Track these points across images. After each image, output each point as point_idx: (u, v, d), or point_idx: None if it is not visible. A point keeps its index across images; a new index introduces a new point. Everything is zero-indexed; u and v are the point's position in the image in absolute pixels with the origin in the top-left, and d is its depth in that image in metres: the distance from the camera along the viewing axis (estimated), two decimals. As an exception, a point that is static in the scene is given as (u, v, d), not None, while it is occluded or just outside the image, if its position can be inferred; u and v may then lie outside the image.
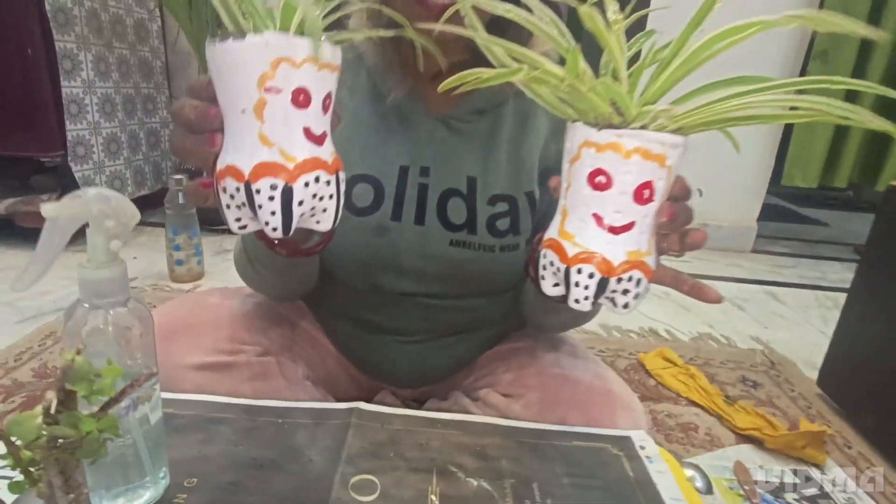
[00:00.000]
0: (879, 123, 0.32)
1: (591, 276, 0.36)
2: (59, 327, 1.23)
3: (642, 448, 0.55)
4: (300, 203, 0.34)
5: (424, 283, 0.67)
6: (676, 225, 0.40)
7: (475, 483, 0.48)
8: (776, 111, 0.35)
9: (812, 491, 0.89)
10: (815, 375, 1.19)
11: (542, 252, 0.40)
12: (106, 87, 1.78)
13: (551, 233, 0.40)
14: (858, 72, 1.94)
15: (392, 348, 0.73)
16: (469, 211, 0.64)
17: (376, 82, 0.64)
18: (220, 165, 0.35)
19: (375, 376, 0.78)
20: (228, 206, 0.35)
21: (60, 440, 0.27)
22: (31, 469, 0.31)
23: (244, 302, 0.74)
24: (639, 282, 0.37)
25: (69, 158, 1.65)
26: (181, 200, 1.47)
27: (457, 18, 0.45)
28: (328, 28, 0.36)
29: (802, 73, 2.01)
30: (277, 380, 0.69)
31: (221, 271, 1.66)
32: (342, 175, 0.38)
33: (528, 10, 0.38)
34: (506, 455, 0.51)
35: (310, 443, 0.51)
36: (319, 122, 0.35)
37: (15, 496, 0.30)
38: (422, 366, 0.75)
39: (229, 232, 1.76)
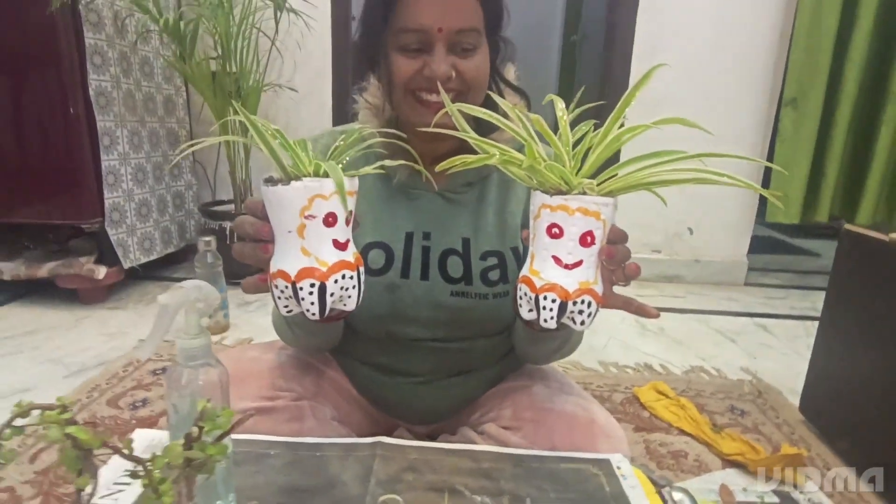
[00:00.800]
0: (741, 183, 0.49)
1: (553, 300, 0.50)
2: (103, 381, 1.35)
3: (619, 468, 0.66)
4: (331, 295, 0.49)
5: (431, 329, 0.79)
6: (617, 261, 0.54)
7: (479, 499, 0.59)
8: (673, 177, 0.51)
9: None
10: (798, 402, 1.29)
11: (518, 286, 0.54)
12: (139, 158, 1.96)
13: (524, 271, 0.54)
14: (827, 115, 2.09)
15: (405, 389, 0.86)
16: (465, 266, 0.78)
17: (383, 165, 0.79)
18: (272, 268, 0.50)
19: (393, 415, 0.90)
20: (279, 298, 0.50)
21: (192, 461, 0.39)
22: (159, 487, 0.43)
23: (279, 355, 0.87)
24: (590, 304, 0.51)
25: (106, 224, 1.81)
26: (209, 259, 1.61)
27: (448, 115, 0.61)
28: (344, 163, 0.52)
29: (776, 118, 2.17)
30: (310, 420, 0.81)
31: (244, 322, 1.79)
32: (362, 269, 0.53)
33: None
34: (504, 476, 0.63)
35: (342, 471, 0.63)
36: (343, 233, 0.50)
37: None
38: (432, 403, 0.87)
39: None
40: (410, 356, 0.82)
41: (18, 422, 0.42)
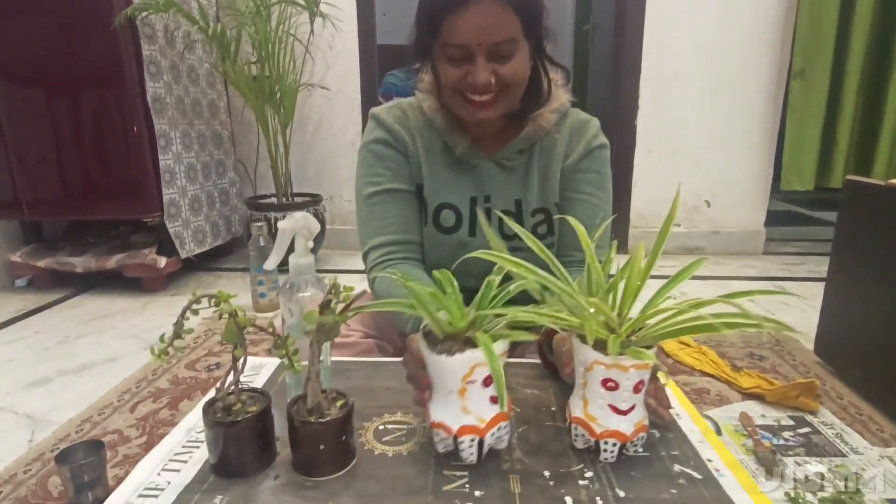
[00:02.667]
0: (771, 324, 0.51)
1: (614, 444, 0.57)
2: (178, 351, 1.51)
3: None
4: (488, 445, 0.56)
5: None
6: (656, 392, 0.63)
7: (528, 391, 0.73)
8: (710, 322, 0.51)
9: (805, 430, 1.09)
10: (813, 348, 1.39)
11: (573, 426, 0.59)
12: (189, 157, 2.14)
13: (577, 412, 0.58)
14: (835, 86, 2.17)
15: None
16: (518, 224, 0.93)
17: (445, 139, 0.93)
18: (433, 415, 0.56)
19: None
20: (438, 442, 0.57)
21: (323, 325, 0.53)
22: (293, 357, 0.57)
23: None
24: (643, 437, 0.58)
25: (165, 217, 1.99)
26: (261, 243, 1.77)
27: (494, 105, 0.76)
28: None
29: (786, 90, 2.26)
30: (376, 353, 0.95)
31: (293, 302, 1.95)
32: (512, 417, 0.61)
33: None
34: (553, 385, 0.76)
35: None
36: (493, 391, 0.55)
37: (288, 372, 0.56)
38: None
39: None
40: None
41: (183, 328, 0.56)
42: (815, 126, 2.20)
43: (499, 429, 0.56)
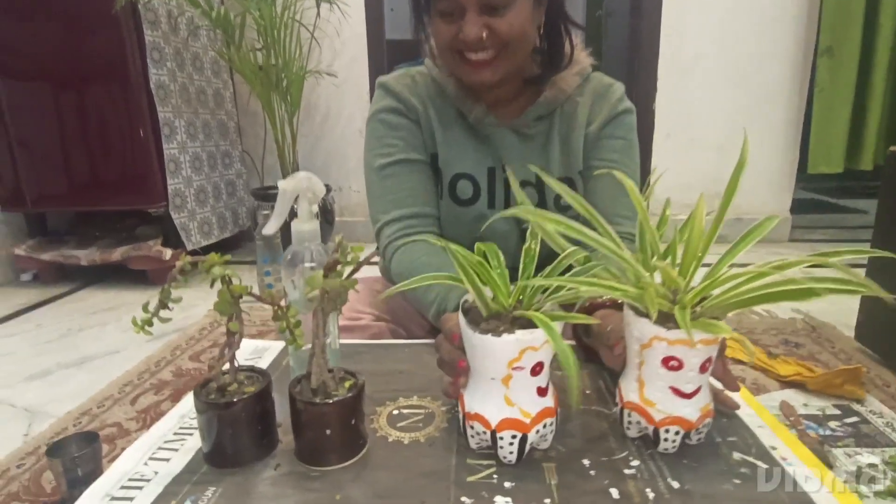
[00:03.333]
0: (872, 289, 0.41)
1: (677, 433, 0.48)
2: (182, 342, 1.46)
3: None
4: (531, 443, 0.48)
5: (513, 258, 0.86)
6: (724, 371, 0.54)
7: (557, 373, 0.65)
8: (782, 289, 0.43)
9: (853, 419, 1.00)
10: (853, 335, 1.30)
11: (627, 412, 0.51)
12: (195, 147, 2.08)
13: (631, 396, 0.51)
14: (865, 63, 2.07)
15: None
16: (539, 195, 0.87)
17: (458, 106, 0.86)
18: (468, 406, 0.49)
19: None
20: (472, 436, 0.49)
21: (328, 292, 0.46)
22: (293, 329, 0.50)
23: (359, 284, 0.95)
24: (708, 424, 0.50)
25: (170, 208, 1.94)
26: (268, 232, 1.71)
27: (493, 65, 0.70)
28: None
29: (813, 67, 2.16)
30: (388, 337, 0.88)
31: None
32: (558, 414, 0.50)
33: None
34: (586, 367, 0.68)
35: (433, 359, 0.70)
36: (545, 378, 0.48)
37: (290, 346, 0.50)
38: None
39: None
40: None
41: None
42: (844, 106, 2.10)
43: (545, 426, 0.48)
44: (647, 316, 0.47)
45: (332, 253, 0.47)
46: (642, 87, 2.33)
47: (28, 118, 1.88)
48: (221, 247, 2.36)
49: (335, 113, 2.44)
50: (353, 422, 0.49)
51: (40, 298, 1.90)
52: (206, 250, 2.21)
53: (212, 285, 0.49)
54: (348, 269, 0.47)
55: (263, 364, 0.71)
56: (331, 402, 0.47)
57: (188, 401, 0.62)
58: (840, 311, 1.53)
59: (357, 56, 2.38)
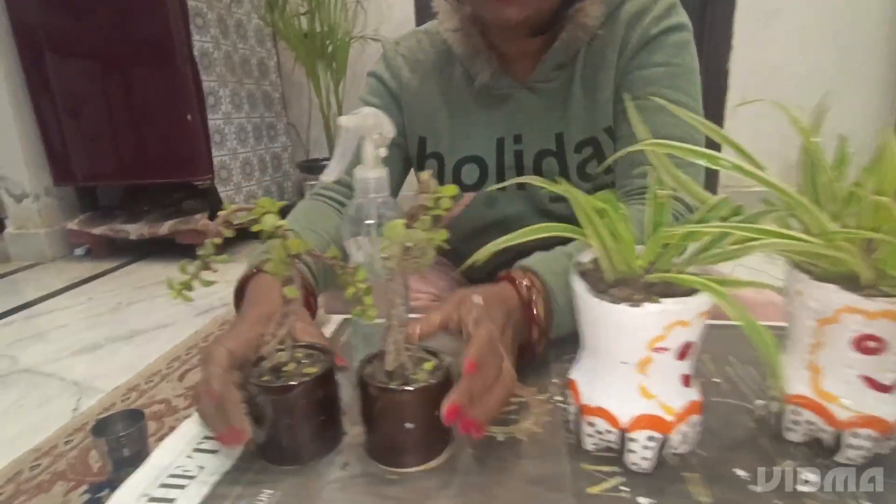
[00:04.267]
0: None
1: (868, 437, 0.37)
2: (230, 316, 1.41)
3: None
4: (672, 448, 0.37)
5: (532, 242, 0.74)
6: None
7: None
8: None
9: None
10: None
11: (792, 408, 0.39)
12: (240, 118, 2.03)
13: (800, 387, 0.38)
14: None
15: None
16: (560, 165, 0.71)
17: (466, 68, 0.73)
18: (587, 400, 0.38)
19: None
20: (590, 435, 0.39)
21: (410, 248, 0.36)
22: (364, 297, 0.41)
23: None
24: None
25: (216, 181, 1.89)
26: (316, 204, 1.64)
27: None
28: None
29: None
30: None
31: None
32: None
33: None
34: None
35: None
36: (692, 363, 0.37)
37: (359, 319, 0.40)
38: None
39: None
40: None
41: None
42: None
43: (690, 425, 0.37)
44: (831, 281, 0.35)
45: (416, 195, 0.36)
46: (715, 45, 2.12)
47: (76, 93, 1.86)
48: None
49: (381, 81, 2.33)
50: (436, 413, 0.40)
51: (92, 272, 1.90)
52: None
53: (263, 240, 0.40)
54: (435, 218, 0.37)
55: (319, 340, 0.62)
56: (411, 388, 0.37)
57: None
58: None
59: (404, 20, 2.26)
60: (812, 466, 0.38)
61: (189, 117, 1.79)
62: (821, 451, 0.39)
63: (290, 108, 2.44)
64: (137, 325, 1.41)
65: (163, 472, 0.40)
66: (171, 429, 0.44)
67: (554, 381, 0.50)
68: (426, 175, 0.36)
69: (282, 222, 0.40)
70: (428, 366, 0.40)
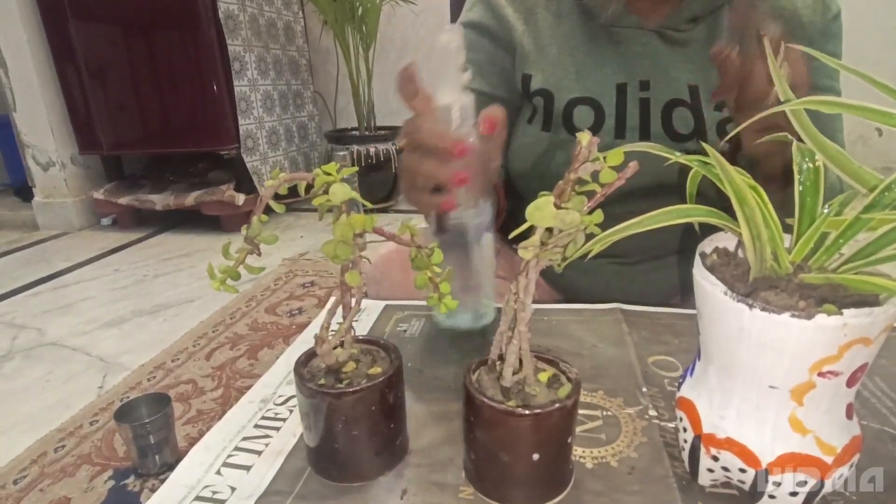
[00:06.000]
0: None
1: None
2: (258, 293, 1.36)
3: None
4: (824, 495, 0.29)
5: (652, 200, 0.65)
6: None
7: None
8: None
9: None
10: None
11: None
12: (266, 85, 1.95)
13: None
14: None
15: (607, 271, 0.72)
16: (696, 119, 0.62)
17: (585, 2, 0.63)
18: (713, 428, 0.30)
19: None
20: (710, 470, 0.32)
21: (557, 233, 0.28)
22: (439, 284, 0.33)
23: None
24: None
25: (242, 150, 1.83)
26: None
27: None
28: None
29: None
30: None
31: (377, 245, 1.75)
32: None
33: None
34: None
35: (587, 333, 0.51)
36: (855, 391, 0.29)
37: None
38: (640, 287, 0.72)
39: (384, 211, 1.83)
40: None
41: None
42: None
43: (850, 467, 0.29)
44: None
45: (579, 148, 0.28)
46: None
47: (100, 59, 1.80)
48: (294, 194, 2.25)
49: (413, 47, 2.22)
50: (570, 440, 0.32)
51: (119, 243, 1.87)
52: (278, 196, 2.11)
53: (321, 217, 0.33)
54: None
55: (365, 329, 0.55)
56: (540, 411, 0.30)
57: (272, 375, 0.47)
58: None
59: (437, -19, 2.13)
60: None
61: (215, 87, 1.71)
62: None
63: (317, 75, 2.34)
64: (163, 300, 1.37)
65: (189, 494, 0.34)
66: (199, 412, 0.38)
67: (644, 389, 0.42)
68: (586, 137, 0.28)
69: (354, 194, 0.32)
70: (543, 377, 0.33)
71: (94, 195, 2.00)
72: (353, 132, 2.14)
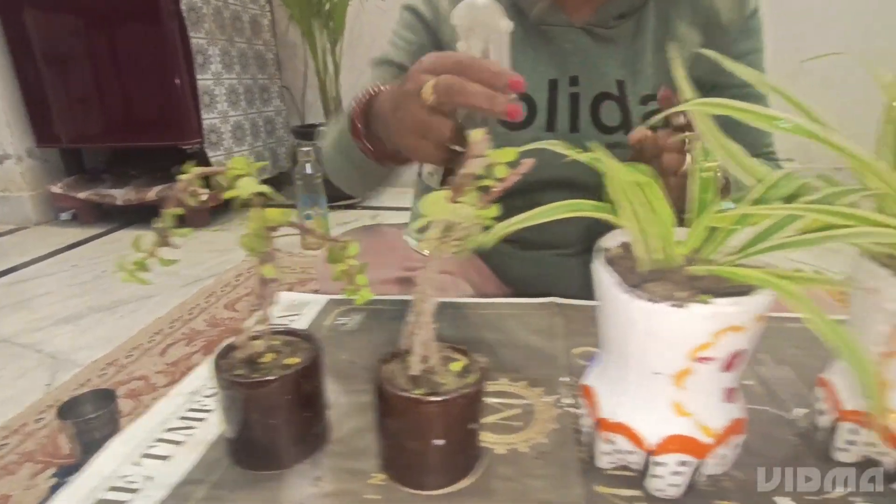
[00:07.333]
0: None
1: None
2: (217, 288, 1.35)
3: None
4: (705, 474, 0.32)
5: (582, 192, 0.67)
6: None
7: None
8: None
9: None
10: None
11: (847, 426, 0.34)
12: (230, 79, 1.92)
13: (861, 405, 0.33)
14: None
15: (549, 263, 0.74)
16: (623, 112, 0.65)
17: (516, 1, 0.65)
18: (608, 413, 0.32)
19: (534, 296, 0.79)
20: (607, 453, 0.33)
21: (451, 226, 0.29)
22: (355, 276, 0.34)
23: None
24: None
25: (205, 145, 1.80)
26: (309, 170, 1.56)
27: None
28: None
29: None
30: (452, 292, 0.71)
31: (345, 241, 1.75)
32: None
33: None
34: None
35: (519, 326, 0.53)
36: (736, 376, 0.31)
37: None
38: (583, 278, 0.75)
39: (351, 208, 1.82)
40: (555, 225, 0.71)
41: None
42: None
43: (730, 447, 0.31)
44: None
45: (464, 160, 0.29)
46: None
47: (58, 50, 1.76)
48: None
49: (381, 41, 2.21)
50: (471, 426, 0.33)
51: (77, 238, 1.83)
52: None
53: (238, 207, 0.33)
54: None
55: (302, 324, 0.55)
56: (444, 398, 0.31)
57: (204, 367, 0.47)
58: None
59: (405, -22, 2.13)
60: (871, 497, 0.32)
61: (177, 80, 1.69)
62: (877, 476, 0.33)
63: (285, 69, 2.32)
64: (121, 295, 1.35)
65: (102, 484, 0.34)
66: (148, 409, 0.39)
67: (563, 379, 0.44)
68: (478, 135, 0.29)
69: (262, 188, 0.33)
70: (455, 367, 0.34)
71: (53, 189, 1.95)
72: (321, 127, 2.13)
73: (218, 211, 1.98)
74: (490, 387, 0.43)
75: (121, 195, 1.88)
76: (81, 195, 1.91)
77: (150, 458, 0.37)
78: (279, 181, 2.34)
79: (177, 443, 0.38)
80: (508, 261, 0.77)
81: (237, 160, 0.31)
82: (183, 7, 1.67)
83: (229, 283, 1.38)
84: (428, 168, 0.59)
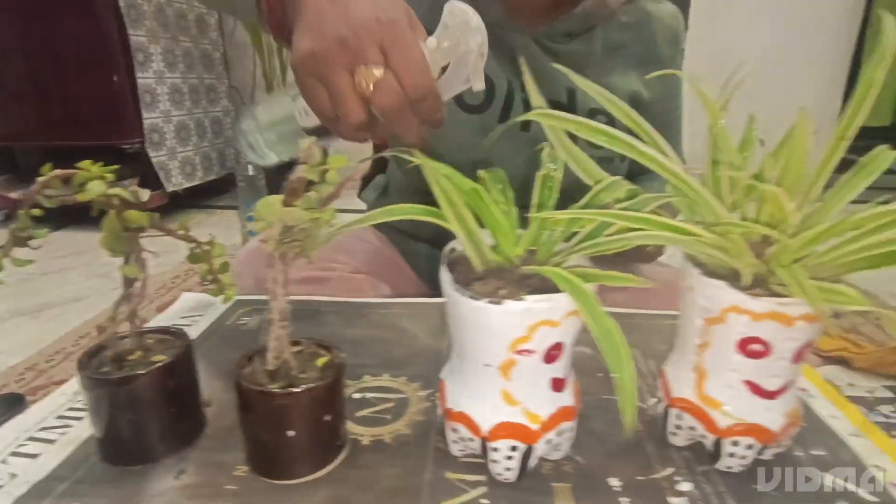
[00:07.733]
0: None
1: (749, 447, 0.34)
2: (152, 291, 1.32)
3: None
4: (538, 457, 0.34)
5: (524, 193, 0.70)
6: None
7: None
8: None
9: (909, 405, 0.86)
10: (902, 303, 1.14)
11: (674, 412, 0.37)
12: (174, 78, 1.89)
13: (683, 391, 0.36)
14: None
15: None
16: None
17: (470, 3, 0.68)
18: (451, 404, 0.35)
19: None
20: (455, 441, 0.36)
21: (291, 228, 0.30)
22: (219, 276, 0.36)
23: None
24: (790, 437, 0.36)
25: (146, 145, 1.77)
26: (251, 172, 1.55)
27: None
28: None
29: (867, 5, 1.91)
30: (369, 293, 0.73)
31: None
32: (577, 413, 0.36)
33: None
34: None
35: (413, 325, 0.55)
36: (566, 365, 0.34)
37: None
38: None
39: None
40: None
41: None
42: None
43: (559, 433, 0.34)
44: (720, 277, 0.33)
45: (296, 165, 0.31)
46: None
47: (-13, 39, 1.69)
48: (206, 190, 2.20)
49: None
50: (328, 417, 0.35)
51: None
52: (188, 194, 2.06)
53: (92, 212, 0.35)
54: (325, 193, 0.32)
55: (203, 324, 0.56)
56: (297, 390, 0.33)
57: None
58: (883, 281, 1.37)
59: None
60: (691, 475, 0.35)
61: (115, 78, 1.65)
62: (704, 458, 0.37)
63: (233, 69, 2.30)
64: (48, 298, 1.31)
65: (-37, 483, 0.35)
66: None
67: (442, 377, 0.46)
68: (307, 143, 0.31)
69: (115, 191, 0.34)
70: (320, 361, 0.36)
71: (-18, 188, 1.87)
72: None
73: (160, 212, 1.94)
74: (371, 382, 0.45)
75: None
76: (15, 195, 1.84)
77: (17, 456, 0.37)
78: (227, 182, 2.31)
79: (49, 441, 0.38)
80: (424, 260, 0.80)
81: (86, 163, 0.32)
82: (121, 3, 1.63)
83: (164, 286, 1.36)
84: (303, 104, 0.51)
